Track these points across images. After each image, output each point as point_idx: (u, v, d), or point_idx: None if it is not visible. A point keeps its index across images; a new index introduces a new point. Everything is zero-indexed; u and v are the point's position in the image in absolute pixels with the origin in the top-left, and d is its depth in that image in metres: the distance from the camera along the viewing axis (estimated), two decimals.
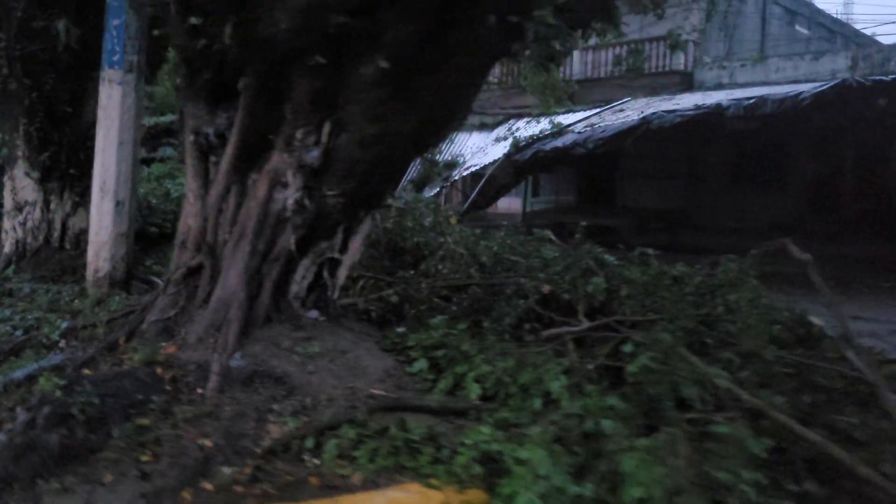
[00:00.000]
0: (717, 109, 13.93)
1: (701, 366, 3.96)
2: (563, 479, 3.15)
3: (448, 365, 4.40)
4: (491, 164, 18.57)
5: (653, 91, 21.52)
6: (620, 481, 3.11)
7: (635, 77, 22.53)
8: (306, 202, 4.48)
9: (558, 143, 16.32)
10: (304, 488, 3.31)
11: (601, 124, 16.83)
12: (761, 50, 25.05)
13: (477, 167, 19.29)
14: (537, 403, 3.89)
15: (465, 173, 19.97)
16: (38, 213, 7.64)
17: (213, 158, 4.59)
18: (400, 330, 4.83)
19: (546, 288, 5.11)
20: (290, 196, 4.46)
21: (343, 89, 4.01)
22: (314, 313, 4.83)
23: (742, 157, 21.93)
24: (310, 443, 3.65)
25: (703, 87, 21.89)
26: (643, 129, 14.76)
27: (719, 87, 21.34)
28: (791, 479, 3.51)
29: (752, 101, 13.40)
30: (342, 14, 3.57)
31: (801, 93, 12.82)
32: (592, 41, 24.05)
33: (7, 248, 7.69)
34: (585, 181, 23.54)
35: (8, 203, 7.78)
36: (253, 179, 4.51)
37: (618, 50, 23.30)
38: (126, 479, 3.29)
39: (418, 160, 22.53)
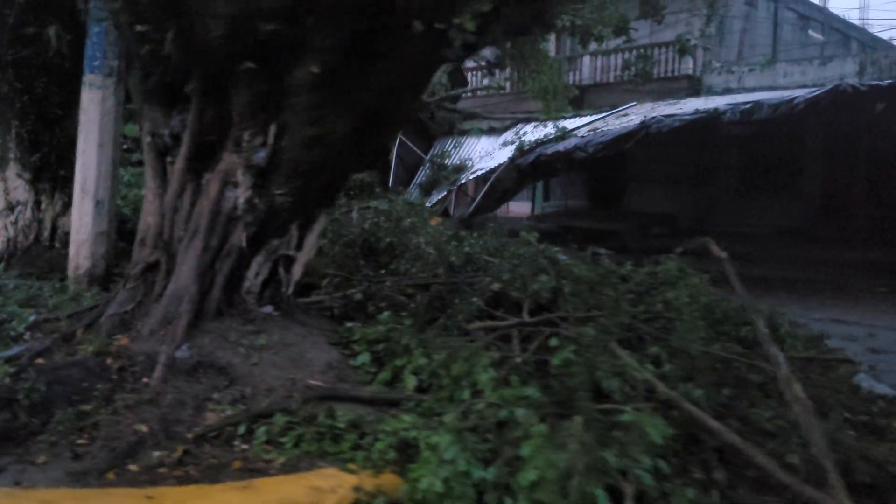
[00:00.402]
0: (715, 114, 13.99)
1: (624, 359, 4.09)
2: (467, 463, 3.30)
3: (388, 358, 4.57)
4: (496, 167, 18.73)
5: (661, 96, 21.55)
6: (520, 466, 3.25)
7: (643, 82, 22.58)
8: (256, 201, 4.67)
9: (560, 147, 16.46)
10: (226, 472, 3.48)
11: (604, 129, 16.92)
12: (773, 55, 25.00)
13: (483, 171, 19.46)
14: (465, 394, 4.04)
15: (471, 177, 20.14)
16: (28, 213, 7.90)
17: (169, 159, 4.79)
18: (349, 325, 5.00)
19: (496, 286, 5.27)
20: (240, 195, 4.65)
21: (282, 93, 4.20)
22: (269, 308, 5.01)
23: (750, 162, 21.93)
24: (241, 429, 3.83)
25: (710, 92, 21.90)
26: (642, 134, 14.85)
27: (727, 91, 21.35)
28: (701, 467, 3.63)
29: (748, 105, 13.45)
30: (270, 22, 3.75)
31: (794, 98, 12.85)
32: (602, 45, 24.19)
33: None
34: (595, 185, 23.64)
35: (0, 203, 8.05)
36: (207, 179, 4.71)
37: (626, 55, 23.36)
38: (58, 460, 3.49)
39: (427, 163, 22.79)
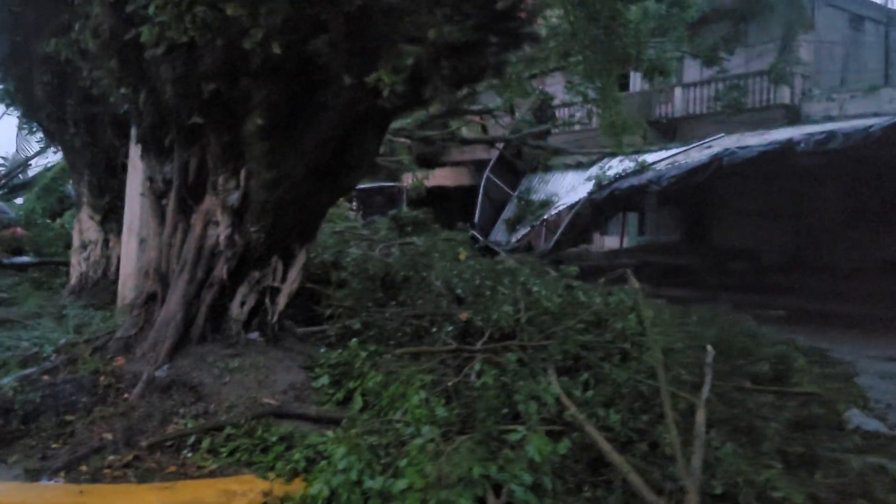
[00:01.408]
0: (788, 145, 13.69)
1: (545, 384, 4.34)
2: (359, 473, 3.66)
3: (346, 380, 4.98)
4: (576, 203, 18.86)
5: (755, 126, 21.09)
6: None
7: (734, 113, 22.17)
8: (235, 237, 5.22)
9: (634, 181, 16.45)
10: (160, 475, 3.98)
11: (684, 162, 16.79)
12: (886, 80, 24.05)
13: (564, 206, 19.63)
14: (398, 414, 4.40)
15: (553, 213, 20.33)
16: (98, 250, 8.85)
17: (164, 201, 5.43)
18: (322, 350, 5.45)
19: (464, 315, 5.59)
20: (221, 233, 5.22)
21: (243, 142, 4.74)
22: (255, 334, 5.54)
23: (854, 193, 21.08)
24: (192, 440, 4.33)
25: (810, 121, 21.26)
26: (715, 167, 14.68)
27: (827, 119, 20.68)
28: (604, 487, 3.83)
29: (822, 136, 13.12)
30: (210, 82, 4.30)
31: (870, 126, 12.46)
32: (693, 77, 24.00)
33: (73, 281, 8.93)
34: (686, 219, 23.28)
35: (76, 241, 9.05)
36: (194, 219, 5.31)
37: (718, 86, 23.05)
38: (27, 460, 4.09)
39: (514, 199, 23.12)
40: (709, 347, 5.25)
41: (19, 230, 13.12)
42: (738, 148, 14.97)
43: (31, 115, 9.03)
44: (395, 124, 21.29)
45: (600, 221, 19.38)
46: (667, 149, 20.56)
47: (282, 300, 5.60)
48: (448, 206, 29.83)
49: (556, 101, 23.33)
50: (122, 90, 4.81)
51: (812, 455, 4.42)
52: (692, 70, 23.97)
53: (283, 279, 5.59)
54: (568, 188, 21.50)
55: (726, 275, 16.94)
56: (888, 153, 13.30)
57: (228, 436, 4.31)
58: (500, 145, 23.13)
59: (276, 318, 5.60)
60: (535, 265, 10.09)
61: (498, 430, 3.96)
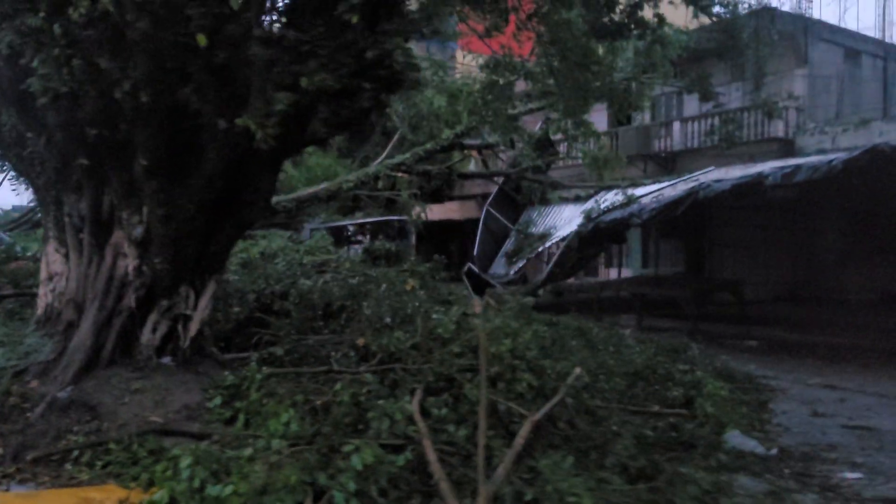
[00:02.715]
0: (759, 178, 13.90)
1: (399, 403, 4.67)
2: (201, 481, 4.00)
3: (237, 401, 5.33)
4: (566, 236, 19.12)
5: (750, 159, 21.29)
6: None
7: (729, 146, 22.35)
8: (144, 268, 5.64)
9: (617, 214, 16.69)
10: (32, 485, 4.35)
11: (670, 195, 17.00)
12: (883, 113, 24.13)
13: (555, 240, 19.91)
14: (267, 430, 4.74)
15: (546, 245, 20.61)
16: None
17: (81, 235, 5.87)
18: (226, 374, 5.81)
19: (360, 341, 5.94)
20: (129, 264, 5.64)
21: (137, 181, 5.18)
22: (167, 359, 5.92)
23: (853, 224, 21.11)
24: (75, 454, 4.71)
25: (803, 154, 21.42)
26: (691, 200, 14.90)
27: (820, 152, 20.81)
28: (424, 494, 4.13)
29: (789, 169, 13.32)
30: (93, 127, 4.74)
31: (832, 160, 12.64)
32: (693, 111, 24.26)
33: (40, 311, 9.40)
34: (684, 251, 23.44)
35: (43, 273, 9.53)
36: (106, 251, 5.74)
37: (713, 120, 23.28)
38: None
39: (513, 232, 23.42)
40: (577, 370, 5.51)
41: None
42: (713, 181, 15.20)
43: (3, 156, 9.60)
44: (395, 159, 21.88)
45: (589, 254, 19.53)
46: (659, 182, 20.82)
47: (193, 327, 5.98)
48: (456, 238, 30.27)
49: (557, 135, 23.64)
50: (29, 134, 5.27)
51: (655, 469, 4.67)
52: (692, 104, 24.22)
53: (195, 307, 5.97)
54: (566, 221, 21.79)
55: (710, 306, 17.05)
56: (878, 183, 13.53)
57: (108, 450, 4.67)
58: (499, 179, 23.54)
59: (187, 343, 5.97)
60: (490, 294, 10.40)
61: (339, 443, 4.27)
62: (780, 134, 22.75)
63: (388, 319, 7.52)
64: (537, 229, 22.79)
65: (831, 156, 13.55)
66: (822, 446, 6.14)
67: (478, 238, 22.89)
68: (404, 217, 24.74)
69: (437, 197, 27.44)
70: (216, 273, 6.04)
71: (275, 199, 21.04)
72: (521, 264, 21.54)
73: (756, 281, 21.59)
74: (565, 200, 23.25)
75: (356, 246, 31.49)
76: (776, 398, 8.09)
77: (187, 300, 5.96)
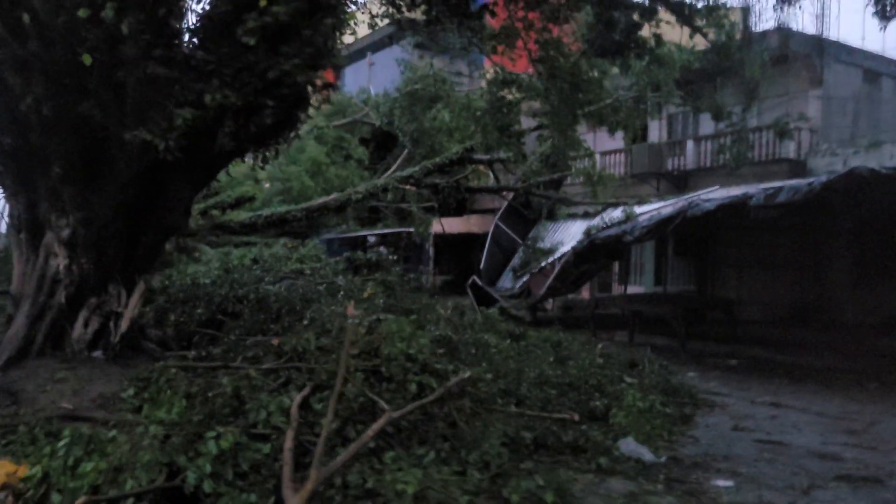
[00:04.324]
0: (744, 198, 14.01)
1: (278, 397, 5.05)
2: (76, 459, 4.41)
3: (148, 391, 5.75)
4: (567, 251, 19.34)
5: (761, 179, 21.28)
6: None
7: (738, 166, 22.37)
8: (73, 268, 6.10)
9: (612, 231, 16.88)
10: None
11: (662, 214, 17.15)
12: None
13: (558, 255, 20.13)
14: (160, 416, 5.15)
15: (550, 260, 20.82)
16: None
17: (22, 235, 6.37)
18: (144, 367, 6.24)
19: (275, 341, 6.33)
20: (60, 263, 6.11)
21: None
22: (98, 353, 6.37)
23: (864, 246, 21.00)
24: None
25: (813, 175, 21.34)
26: (680, 219, 15.05)
27: (831, 174, 20.72)
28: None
29: (771, 190, 13.43)
30: (6, 137, 5.22)
31: (811, 182, 12.75)
32: (708, 130, 24.29)
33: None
34: (690, 270, 23.48)
35: None
36: (40, 251, 6.22)
37: (724, 140, 23.28)
38: None
39: (522, 247, 23.66)
40: (466, 373, 5.81)
41: None
42: (702, 201, 15.34)
43: None
44: (404, 171, 22.31)
45: (587, 269, 19.69)
46: (664, 200, 20.93)
47: (124, 323, 6.42)
48: (476, 250, 30.62)
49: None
50: None
51: (515, 467, 4.96)
52: (708, 123, 24.28)
53: (126, 305, 6.41)
54: (572, 236, 21.97)
55: (703, 324, 17.13)
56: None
57: (15, 432, 5.11)
58: (508, 194, 23.82)
59: (117, 338, 6.41)
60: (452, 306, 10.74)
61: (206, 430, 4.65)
62: (792, 155, 22.68)
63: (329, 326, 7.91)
64: (545, 244, 23.01)
65: (813, 178, 13.61)
66: (717, 457, 6.33)
67: (485, 252, 23.19)
68: (410, 229, 25.17)
69: (457, 210, 27.87)
70: (145, 273, 6.48)
71: (285, 208, 21.71)
72: (525, 279, 21.75)
73: (763, 301, 21.57)
74: (574, 216, 23.45)
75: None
76: (709, 413, 8.26)
77: (119, 298, 6.41)
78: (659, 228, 15.71)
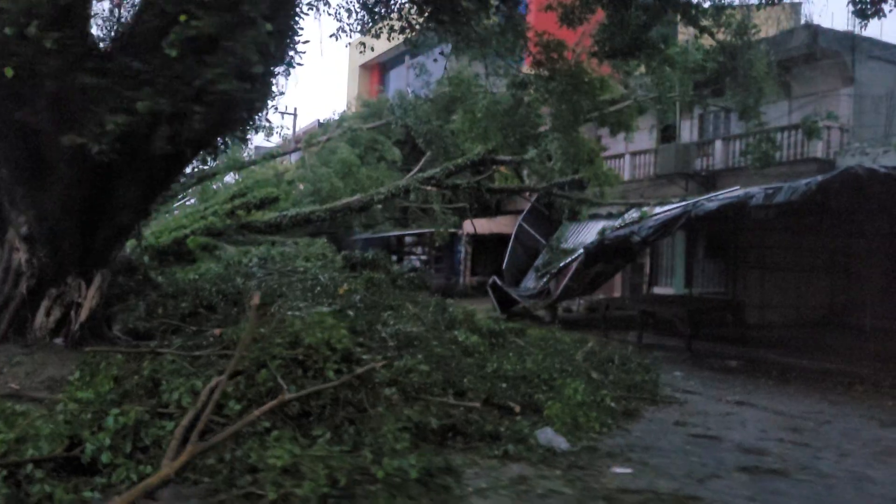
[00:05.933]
0: (745, 198, 14.01)
1: (190, 382, 5.48)
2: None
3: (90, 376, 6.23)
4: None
5: (789, 179, 21.05)
6: None
7: (763, 165, 22.14)
8: (34, 261, 6.63)
9: (621, 231, 16.96)
10: None
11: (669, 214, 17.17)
12: None
13: (576, 255, 20.25)
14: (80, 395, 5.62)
15: (569, 260, 20.95)
16: None
17: None
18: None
19: (217, 331, 6.77)
20: (21, 257, 6.65)
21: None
22: (59, 340, 6.90)
23: (879, 252, 20.65)
24: None
25: None
26: (685, 219, 15.09)
27: (830, 173, 20.42)
28: None
29: (770, 190, 13.41)
30: None
31: (809, 182, 12.70)
32: (738, 130, 24.07)
33: None
34: (716, 272, 23.32)
35: None
36: (5, 245, 6.78)
37: (751, 139, 23.06)
38: None
39: (545, 247, 23.81)
40: (378, 363, 6.13)
41: None
42: (704, 200, 15.37)
43: None
44: (426, 173, 22.67)
45: (601, 270, 19.74)
46: (685, 200, 20.87)
47: (83, 313, 6.93)
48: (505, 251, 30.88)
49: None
50: None
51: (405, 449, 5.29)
52: (739, 122, 24.09)
53: (85, 296, 6.93)
54: (594, 237, 22.05)
55: (711, 326, 17.05)
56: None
57: None
58: (531, 195, 24.01)
59: (77, 326, 6.92)
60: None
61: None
62: (820, 154, 22.35)
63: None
64: (567, 245, 23.14)
65: (809, 178, 13.52)
66: (636, 448, 6.50)
67: (508, 253, 23.42)
68: (430, 230, 25.50)
69: (494, 211, 28.19)
70: (102, 267, 6.99)
71: (310, 209, 22.27)
72: (545, 279, 21.90)
73: (787, 304, 21.35)
74: (597, 217, 23.52)
75: (413, 257, 32.63)
76: (663, 409, 8.41)
77: (79, 289, 6.93)
78: (665, 228, 15.73)
